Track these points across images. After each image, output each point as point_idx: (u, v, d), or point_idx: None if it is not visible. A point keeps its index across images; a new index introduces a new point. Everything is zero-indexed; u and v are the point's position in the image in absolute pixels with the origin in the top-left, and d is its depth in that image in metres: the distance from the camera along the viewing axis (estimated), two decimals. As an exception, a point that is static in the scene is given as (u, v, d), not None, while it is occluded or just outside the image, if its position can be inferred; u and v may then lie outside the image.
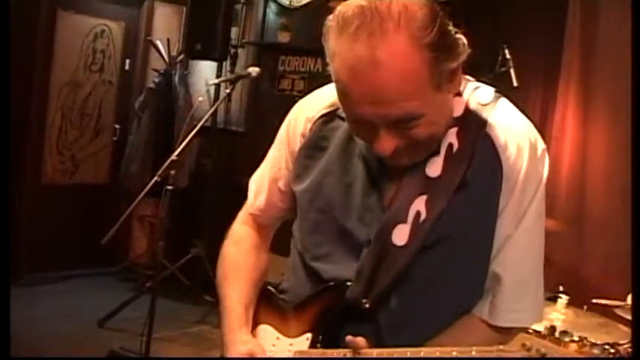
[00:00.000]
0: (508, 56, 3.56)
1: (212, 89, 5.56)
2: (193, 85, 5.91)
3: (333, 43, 1.25)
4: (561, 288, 3.04)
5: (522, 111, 1.42)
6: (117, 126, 6.01)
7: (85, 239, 5.24)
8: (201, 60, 5.64)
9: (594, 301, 2.94)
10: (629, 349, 1.86)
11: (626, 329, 2.62)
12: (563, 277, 3.27)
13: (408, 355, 1.23)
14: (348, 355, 1.30)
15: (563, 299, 2.93)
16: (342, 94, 1.28)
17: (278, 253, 1.71)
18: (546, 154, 1.39)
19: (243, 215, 1.71)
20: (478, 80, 1.44)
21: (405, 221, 1.34)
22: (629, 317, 2.61)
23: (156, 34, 6.01)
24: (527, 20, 4.29)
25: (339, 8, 1.24)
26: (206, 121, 3.93)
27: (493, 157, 1.34)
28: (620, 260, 3.55)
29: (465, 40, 1.26)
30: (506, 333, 1.41)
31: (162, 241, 3.79)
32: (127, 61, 6.05)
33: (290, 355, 1.45)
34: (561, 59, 4.14)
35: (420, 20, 1.19)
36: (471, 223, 1.34)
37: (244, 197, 1.70)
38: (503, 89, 1.46)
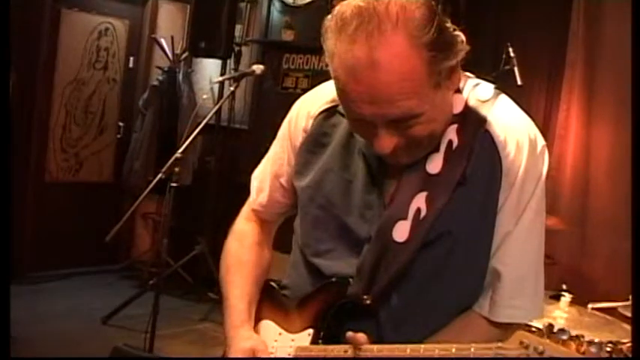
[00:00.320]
0: (512, 54, 3.55)
1: (216, 87, 5.58)
2: (197, 82, 5.92)
3: (332, 43, 1.25)
4: (564, 286, 3.04)
5: (526, 110, 1.42)
6: (121, 124, 6.03)
7: (89, 237, 5.25)
8: (206, 58, 5.66)
9: (593, 306, 2.92)
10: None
11: (630, 328, 2.61)
12: (567, 275, 3.27)
13: (408, 351, 1.24)
14: (349, 351, 1.31)
15: (567, 298, 2.92)
16: (341, 93, 1.29)
17: (280, 251, 1.71)
18: (546, 151, 1.40)
19: (245, 211, 1.72)
20: (481, 78, 1.44)
21: (405, 218, 1.34)
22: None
23: (160, 32, 6.03)
24: (531, 19, 4.29)
25: (338, 8, 1.24)
26: (210, 118, 3.94)
27: (493, 154, 1.34)
28: (624, 259, 3.54)
29: (463, 38, 1.27)
30: (506, 329, 1.41)
31: (165, 239, 3.81)
32: (131, 58, 6.06)
33: (292, 351, 1.46)
34: (565, 58, 4.14)
35: (417, 20, 1.20)
36: (470, 219, 1.34)
37: (247, 195, 1.71)
38: (507, 88, 1.46)
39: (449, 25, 1.25)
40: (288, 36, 5.46)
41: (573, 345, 1.02)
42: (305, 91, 1.61)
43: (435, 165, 1.35)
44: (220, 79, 5.12)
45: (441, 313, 1.39)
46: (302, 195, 1.52)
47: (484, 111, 1.37)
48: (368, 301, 1.36)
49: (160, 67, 5.82)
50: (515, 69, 3.53)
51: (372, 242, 1.37)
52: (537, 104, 4.23)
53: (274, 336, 1.51)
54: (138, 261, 5.89)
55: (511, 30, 4.24)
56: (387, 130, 1.27)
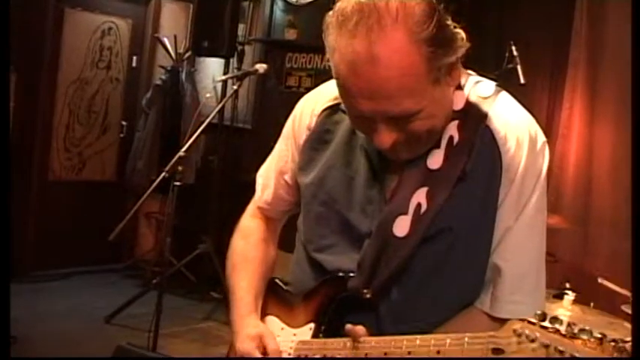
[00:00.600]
0: (515, 53, 3.55)
1: (219, 86, 5.59)
2: (200, 82, 5.93)
3: (333, 38, 1.26)
4: (568, 285, 3.04)
5: (529, 108, 1.42)
6: (124, 123, 6.04)
7: (92, 236, 5.27)
8: (209, 57, 5.67)
9: (600, 280, 2.92)
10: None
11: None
12: (570, 273, 3.27)
13: (405, 343, 1.25)
14: (348, 345, 1.32)
15: (570, 296, 2.92)
16: (341, 89, 1.30)
17: (285, 250, 1.72)
18: (547, 147, 1.40)
19: (251, 209, 1.74)
20: (483, 76, 1.44)
21: (406, 213, 1.35)
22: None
23: (163, 31, 6.04)
24: (534, 18, 4.29)
25: (339, 4, 1.26)
26: (213, 117, 3.95)
27: (493, 150, 1.35)
28: (627, 257, 3.54)
29: (463, 35, 1.27)
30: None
31: (169, 238, 3.82)
32: (134, 58, 6.08)
33: (293, 345, 1.47)
34: (568, 57, 4.14)
35: (417, 16, 1.21)
36: (471, 214, 1.35)
37: (251, 194, 1.73)
38: (510, 86, 1.47)
39: (449, 22, 1.25)
40: (291, 35, 5.47)
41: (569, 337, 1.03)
42: (308, 90, 1.62)
43: (435, 160, 1.36)
44: (223, 78, 5.13)
45: (441, 308, 1.39)
46: (305, 192, 1.53)
47: (485, 107, 1.37)
48: (368, 295, 1.37)
49: (163, 67, 5.84)
50: (518, 67, 3.53)
51: (372, 237, 1.38)
52: (540, 103, 4.23)
53: (277, 331, 1.53)
54: (141, 260, 5.91)
55: (514, 29, 4.24)
56: (387, 126, 1.27)
